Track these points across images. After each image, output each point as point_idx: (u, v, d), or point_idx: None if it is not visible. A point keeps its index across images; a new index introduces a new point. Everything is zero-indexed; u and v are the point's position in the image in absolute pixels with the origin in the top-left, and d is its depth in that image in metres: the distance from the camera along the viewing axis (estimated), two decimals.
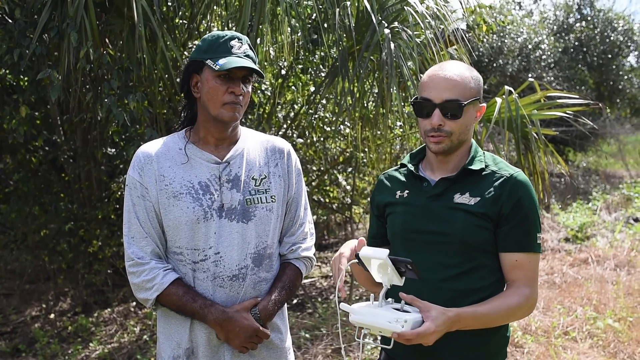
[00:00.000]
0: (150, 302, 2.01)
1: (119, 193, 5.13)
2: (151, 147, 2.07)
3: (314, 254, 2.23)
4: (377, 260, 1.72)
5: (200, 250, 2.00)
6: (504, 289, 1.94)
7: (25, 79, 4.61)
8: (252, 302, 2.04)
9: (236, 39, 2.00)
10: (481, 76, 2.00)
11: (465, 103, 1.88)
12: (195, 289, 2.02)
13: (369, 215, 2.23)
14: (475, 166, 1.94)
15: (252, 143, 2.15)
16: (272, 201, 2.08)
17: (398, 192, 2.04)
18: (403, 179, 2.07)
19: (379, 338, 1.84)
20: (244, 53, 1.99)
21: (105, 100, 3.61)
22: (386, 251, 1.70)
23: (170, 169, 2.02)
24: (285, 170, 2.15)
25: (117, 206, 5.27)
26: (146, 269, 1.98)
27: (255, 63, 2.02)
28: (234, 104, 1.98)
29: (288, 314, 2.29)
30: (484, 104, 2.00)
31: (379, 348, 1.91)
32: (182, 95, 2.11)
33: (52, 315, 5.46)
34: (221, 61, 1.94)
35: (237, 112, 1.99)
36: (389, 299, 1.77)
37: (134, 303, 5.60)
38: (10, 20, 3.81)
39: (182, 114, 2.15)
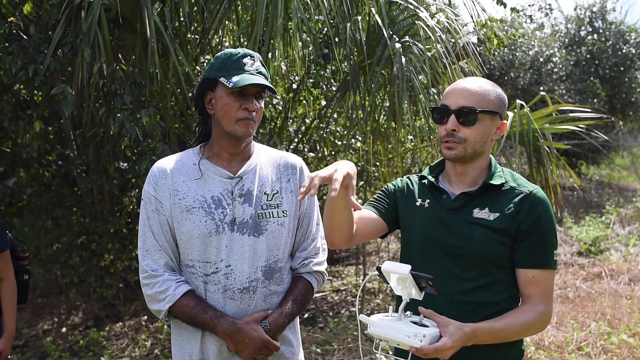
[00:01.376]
0: (162, 314, 2.03)
1: (131, 207, 5.16)
2: (166, 162, 2.10)
3: (326, 269, 2.23)
4: (398, 274, 1.72)
5: (212, 263, 2.02)
6: (519, 304, 1.95)
7: (39, 94, 4.66)
8: (263, 315, 2.05)
9: (248, 57, 2.03)
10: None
11: (479, 110, 1.90)
12: (207, 301, 2.03)
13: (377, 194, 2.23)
14: (496, 181, 1.97)
15: (265, 158, 2.17)
16: (283, 216, 2.10)
17: (419, 200, 2.06)
18: (425, 188, 2.09)
19: (392, 351, 1.84)
20: (257, 70, 2.02)
21: (118, 115, 3.65)
22: (408, 266, 1.71)
23: (184, 184, 2.04)
24: (297, 185, 2.16)
25: (129, 220, 5.29)
26: (159, 281, 2.01)
27: (267, 79, 2.05)
28: (247, 120, 2.01)
29: (299, 329, 2.29)
30: (506, 122, 2.02)
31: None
32: (196, 111, 2.15)
33: (63, 329, 5.47)
34: (234, 78, 1.97)
35: (250, 127, 2.02)
36: (407, 312, 1.78)
37: (146, 317, 5.61)
38: (25, 37, 3.87)
39: (196, 130, 2.18)
